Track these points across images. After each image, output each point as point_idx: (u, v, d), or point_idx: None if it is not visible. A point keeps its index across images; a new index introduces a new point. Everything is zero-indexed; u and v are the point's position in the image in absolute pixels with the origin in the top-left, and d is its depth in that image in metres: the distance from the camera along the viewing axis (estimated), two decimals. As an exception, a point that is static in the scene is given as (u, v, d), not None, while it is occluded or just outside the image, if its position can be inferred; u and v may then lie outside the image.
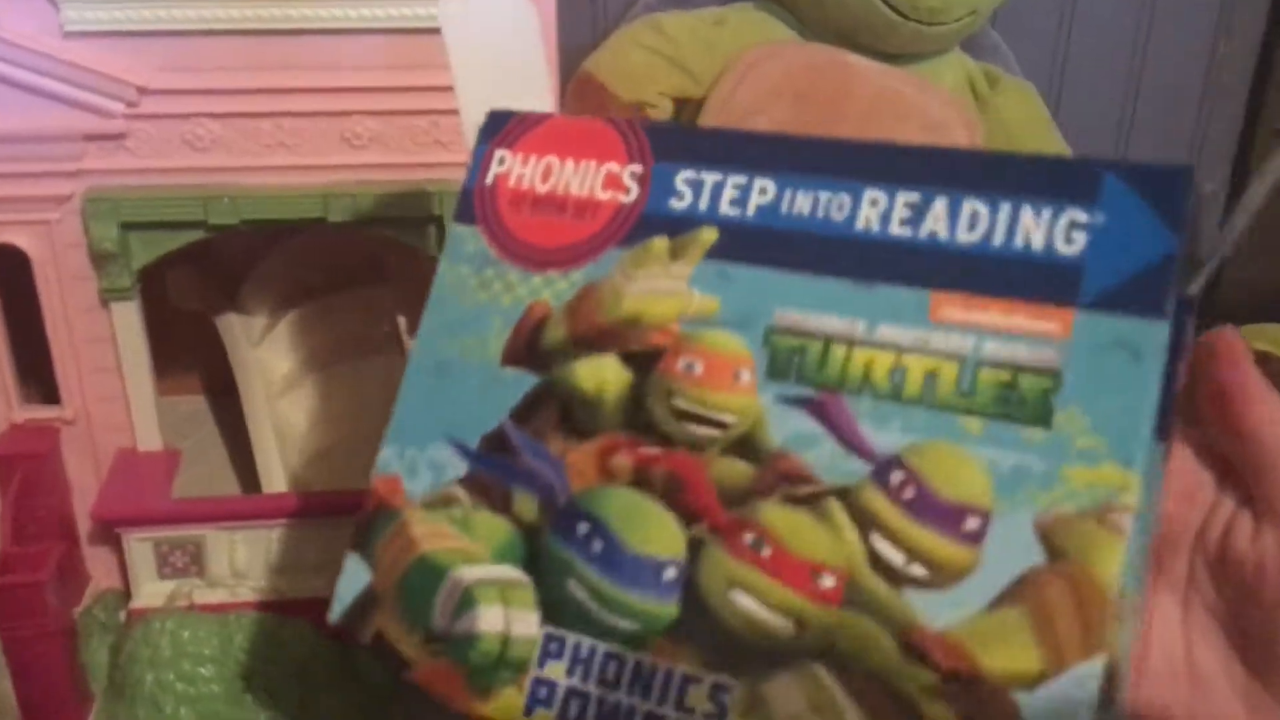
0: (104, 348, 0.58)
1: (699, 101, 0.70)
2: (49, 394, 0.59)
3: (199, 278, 0.66)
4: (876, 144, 0.33)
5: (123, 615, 0.60)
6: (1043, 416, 0.29)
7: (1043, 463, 0.28)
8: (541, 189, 0.37)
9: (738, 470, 0.32)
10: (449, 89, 0.56)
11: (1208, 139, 0.93)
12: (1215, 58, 0.90)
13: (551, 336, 0.35)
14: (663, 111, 0.71)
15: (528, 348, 0.36)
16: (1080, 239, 0.30)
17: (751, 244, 0.33)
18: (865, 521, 0.30)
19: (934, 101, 0.71)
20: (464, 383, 0.36)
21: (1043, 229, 0.30)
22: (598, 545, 0.32)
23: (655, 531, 0.32)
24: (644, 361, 0.34)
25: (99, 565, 0.62)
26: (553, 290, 0.36)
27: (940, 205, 0.31)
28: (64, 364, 0.58)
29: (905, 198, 0.32)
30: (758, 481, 0.31)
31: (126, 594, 0.61)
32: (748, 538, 0.31)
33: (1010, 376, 0.29)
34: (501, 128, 0.38)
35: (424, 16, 0.54)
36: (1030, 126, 0.77)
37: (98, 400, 0.59)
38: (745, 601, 0.30)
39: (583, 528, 0.33)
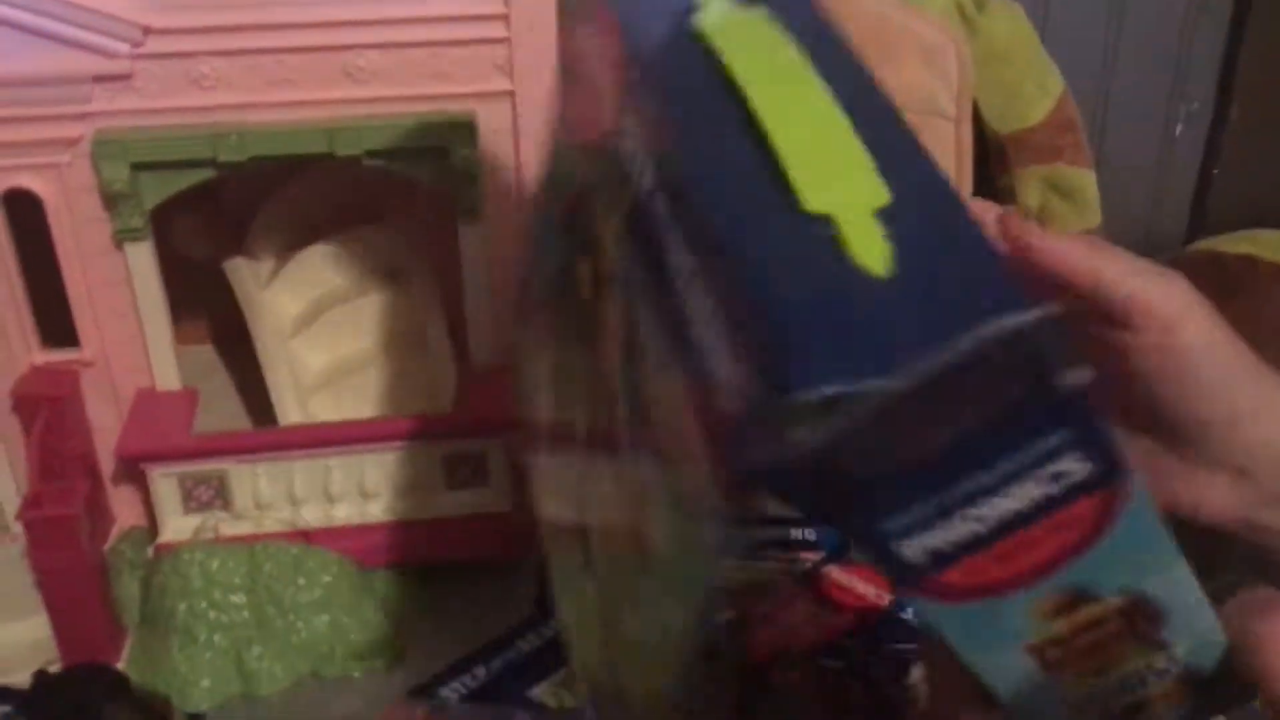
0: (119, 289, 0.59)
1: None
2: (67, 337, 0.60)
3: (204, 225, 0.67)
4: None
5: (150, 551, 0.62)
6: None
7: None
8: None
9: None
10: (449, 19, 0.57)
11: (1193, 58, 0.94)
12: (1199, -24, 0.91)
13: None
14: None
15: None
16: None
17: None
18: None
19: (924, 25, 0.72)
20: None
21: None
22: None
23: None
24: None
25: (123, 505, 0.63)
26: None
27: None
28: (81, 306, 0.59)
29: None
30: None
31: (152, 532, 0.62)
32: None
33: None
34: None
35: (421, -53, 0.55)
36: (1018, 48, 0.78)
37: (115, 341, 0.60)
38: None
39: None
